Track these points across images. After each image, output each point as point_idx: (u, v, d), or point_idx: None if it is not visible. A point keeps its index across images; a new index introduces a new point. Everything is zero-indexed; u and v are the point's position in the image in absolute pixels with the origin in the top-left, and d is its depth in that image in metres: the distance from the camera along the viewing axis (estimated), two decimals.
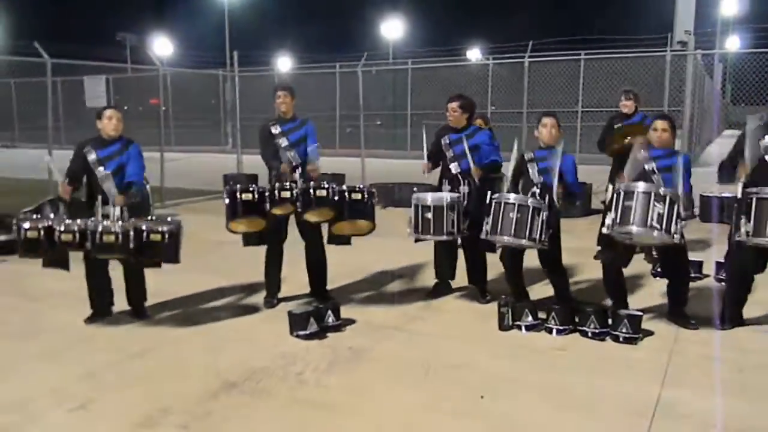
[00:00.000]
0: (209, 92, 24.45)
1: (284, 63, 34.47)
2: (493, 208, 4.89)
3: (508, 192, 5.04)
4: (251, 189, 5.02)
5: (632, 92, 6.93)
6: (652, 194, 4.44)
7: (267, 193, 5.00)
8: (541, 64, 14.38)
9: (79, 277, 5.09)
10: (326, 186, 4.97)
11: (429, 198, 5.18)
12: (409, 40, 41.72)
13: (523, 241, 4.80)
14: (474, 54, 34.77)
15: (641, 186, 4.51)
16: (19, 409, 3.63)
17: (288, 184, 5.00)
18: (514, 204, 4.78)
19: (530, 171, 5.13)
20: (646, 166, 4.82)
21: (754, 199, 4.40)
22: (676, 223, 4.45)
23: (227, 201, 5.02)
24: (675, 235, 4.45)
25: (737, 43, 34.89)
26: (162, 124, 11.84)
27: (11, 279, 6.28)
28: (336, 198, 5.01)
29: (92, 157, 4.90)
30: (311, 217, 5.10)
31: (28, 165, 7.26)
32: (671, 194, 4.47)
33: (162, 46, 39.79)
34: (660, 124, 4.88)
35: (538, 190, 5.03)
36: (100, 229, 4.54)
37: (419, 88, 21.70)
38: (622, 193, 4.56)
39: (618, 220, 4.53)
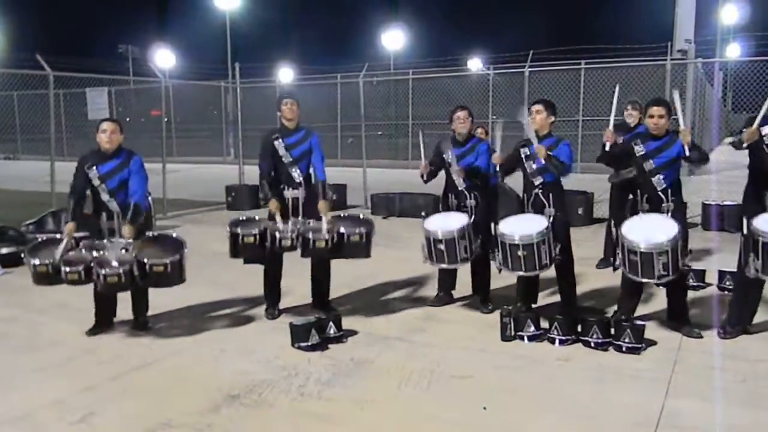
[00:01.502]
0: (211, 103, 24.52)
1: (286, 74, 34.58)
2: (500, 243, 4.94)
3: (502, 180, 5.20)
4: (253, 232, 5.08)
5: (638, 103, 6.93)
6: (654, 254, 4.49)
7: (268, 236, 5.06)
8: (542, 74, 14.41)
9: (80, 290, 5.09)
10: (325, 238, 4.99)
11: (439, 232, 5.18)
12: (410, 51, 41.87)
13: (536, 272, 4.96)
14: (475, 64, 34.86)
15: (642, 245, 4.52)
16: (21, 422, 3.63)
17: (288, 227, 5.05)
18: (518, 245, 4.83)
19: (527, 170, 5.13)
20: (645, 166, 4.80)
21: (760, 241, 4.39)
22: (683, 258, 4.55)
23: (229, 239, 5.13)
24: (684, 268, 4.59)
25: (738, 51, 34.96)
26: (164, 136, 11.87)
27: (14, 291, 6.29)
28: (334, 244, 5.05)
29: (93, 173, 4.90)
30: (308, 256, 5.19)
31: (30, 177, 7.29)
32: (672, 245, 4.48)
33: (164, 57, 39.95)
34: (656, 110, 4.80)
35: (540, 191, 5.04)
36: (104, 272, 4.57)
37: (420, 99, 21.75)
38: (626, 247, 4.59)
39: (627, 269, 4.64)
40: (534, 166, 5.10)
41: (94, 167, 4.91)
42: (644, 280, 4.64)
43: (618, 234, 4.70)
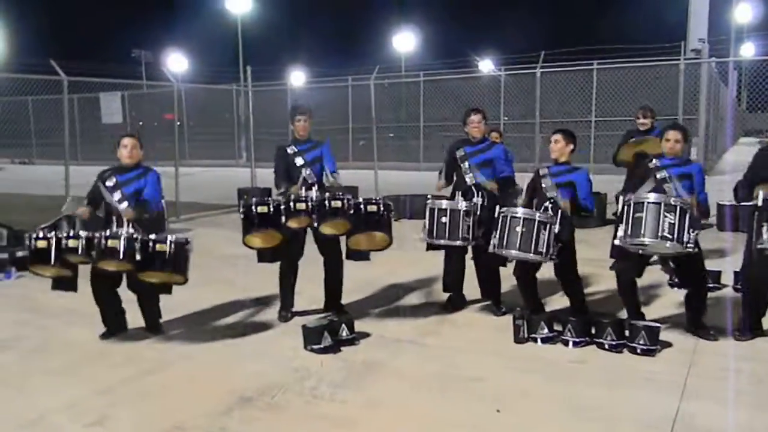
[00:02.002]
0: (223, 107, 24.65)
1: (297, 77, 34.68)
2: (500, 221, 4.89)
3: (522, 206, 5.07)
4: (267, 201, 5.04)
5: (648, 108, 6.91)
6: (662, 204, 4.42)
7: (282, 206, 5.01)
8: (554, 75, 14.35)
9: (91, 294, 5.13)
10: (342, 197, 4.98)
11: (444, 202, 5.17)
12: (421, 53, 41.83)
13: (530, 255, 4.79)
14: (486, 65, 34.78)
15: (651, 197, 4.50)
16: (34, 425, 3.65)
17: (303, 195, 5.01)
18: (520, 218, 4.78)
19: (543, 186, 5.11)
20: (658, 175, 4.78)
21: None
22: (689, 232, 4.42)
23: (243, 215, 5.04)
24: (688, 245, 4.42)
25: (752, 50, 34.63)
26: (176, 139, 11.94)
27: (27, 295, 6.34)
28: (352, 210, 5.01)
29: (111, 182, 4.95)
30: (327, 229, 5.09)
31: (45, 181, 7.37)
32: (682, 203, 4.43)
33: (176, 62, 40.20)
34: (672, 134, 4.83)
35: (550, 205, 5.01)
36: (106, 233, 4.57)
37: (431, 100, 21.74)
38: (632, 205, 4.53)
39: (629, 232, 4.51)
40: (550, 183, 5.07)
41: (114, 176, 4.98)
42: (647, 240, 4.43)
43: (625, 202, 4.60)
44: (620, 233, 4.59)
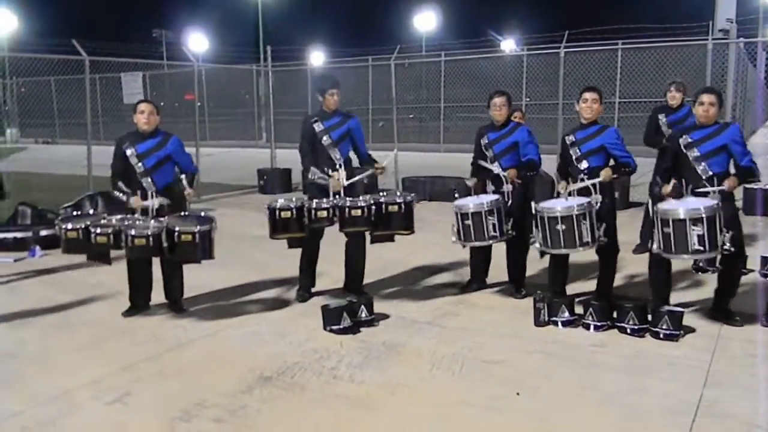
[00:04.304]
0: (243, 87, 24.65)
1: (317, 57, 34.55)
2: (538, 220, 4.82)
3: (559, 181, 5.04)
4: (290, 206, 5.05)
5: (682, 84, 6.72)
6: (688, 221, 4.30)
7: (305, 210, 5.02)
8: (577, 55, 14.11)
9: (117, 271, 5.18)
10: (362, 205, 4.96)
11: (469, 205, 5.12)
12: (442, 32, 41.42)
13: (578, 249, 4.77)
14: (508, 45, 34.35)
15: (679, 212, 4.35)
16: (58, 401, 3.70)
17: (324, 201, 5.01)
18: (557, 217, 4.70)
19: (573, 156, 5.03)
20: (690, 155, 4.65)
21: None
22: (722, 235, 4.32)
23: (268, 216, 5.10)
24: (724, 247, 4.34)
25: None
26: (197, 119, 11.97)
27: (51, 273, 6.42)
28: (372, 215, 5.00)
29: (131, 152, 4.97)
30: (348, 230, 5.12)
31: (67, 161, 7.44)
32: (709, 214, 4.30)
33: (197, 42, 40.25)
34: (707, 97, 4.64)
35: (586, 176, 4.93)
36: (132, 233, 4.63)
37: (452, 81, 21.54)
38: (659, 218, 4.44)
39: (662, 247, 4.46)
40: (579, 152, 5.00)
41: (132, 147, 4.98)
42: (681, 257, 4.44)
43: (654, 210, 4.55)
44: (655, 244, 4.54)
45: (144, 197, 4.92)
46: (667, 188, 4.70)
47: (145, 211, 4.89)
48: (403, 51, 17.23)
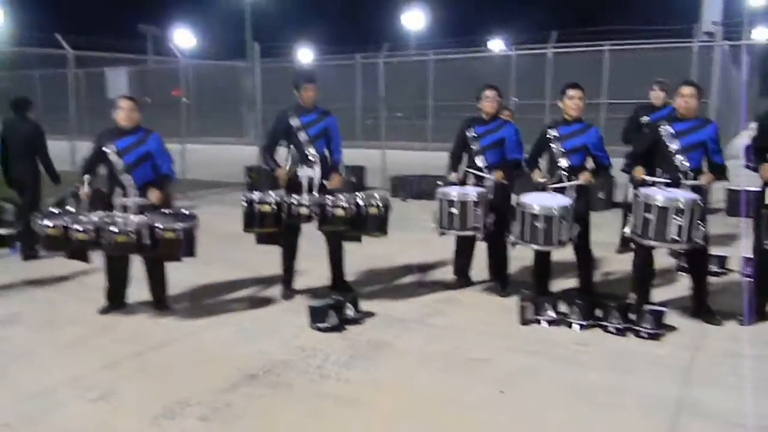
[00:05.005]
0: (230, 84, 24.51)
1: (305, 54, 34.45)
2: (518, 214, 4.85)
3: (530, 170, 5.12)
4: (269, 201, 5.02)
5: (665, 83, 6.78)
6: (671, 210, 4.37)
7: (285, 206, 5.01)
8: (565, 55, 14.16)
9: (100, 269, 5.14)
10: (344, 206, 4.97)
11: (454, 193, 5.14)
12: (431, 31, 41.40)
13: (553, 247, 4.83)
14: (496, 45, 34.42)
15: (660, 200, 4.43)
16: (40, 399, 3.67)
17: (304, 197, 5.01)
18: (539, 215, 4.74)
19: (554, 152, 5.06)
20: (671, 146, 4.71)
21: None
22: (698, 229, 4.42)
23: (244, 208, 5.07)
24: (697, 240, 4.43)
25: (765, 33, 34.11)
26: (183, 116, 11.89)
27: (35, 269, 6.36)
28: (353, 214, 5.02)
29: (111, 149, 4.91)
30: (326, 228, 5.13)
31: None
32: (690, 206, 4.37)
33: (183, 37, 39.95)
34: (687, 90, 4.72)
35: (566, 174, 4.98)
36: (113, 230, 4.57)
37: (441, 80, 21.53)
38: (641, 203, 4.48)
39: (639, 231, 4.53)
40: (561, 149, 5.04)
41: (112, 143, 4.93)
42: (655, 243, 4.53)
43: (635, 194, 4.60)
44: (630, 226, 4.59)
45: (125, 194, 4.87)
46: (639, 171, 4.75)
47: (125, 208, 4.84)
48: (392, 49, 17.21)
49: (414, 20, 41.94)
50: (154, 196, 4.84)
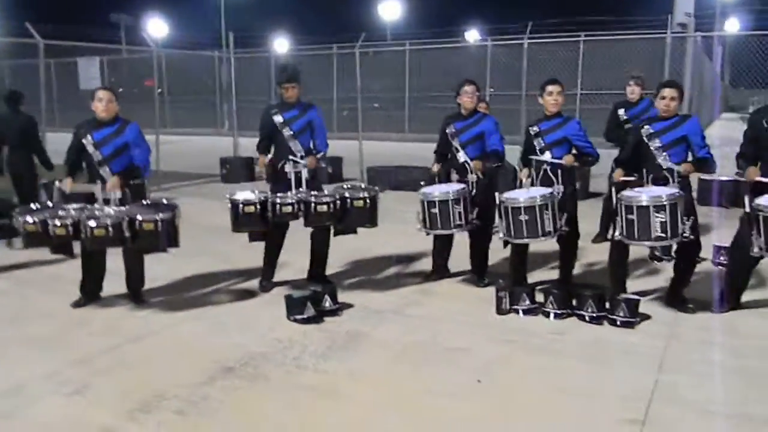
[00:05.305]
0: (205, 74, 24.22)
1: (280, 44, 34.17)
2: (502, 210, 4.87)
3: (521, 169, 5.15)
4: (253, 201, 4.99)
5: (640, 78, 6.85)
6: (651, 208, 4.41)
7: (269, 205, 4.98)
8: (541, 46, 14.24)
9: (75, 263, 5.07)
10: (327, 201, 4.95)
11: (433, 193, 5.15)
12: (408, 22, 41.32)
13: (539, 239, 4.84)
14: (473, 35, 34.48)
15: (639, 199, 4.47)
16: (15, 394, 3.62)
17: (291, 194, 4.97)
18: (521, 207, 4.76)
19: (537, 147, 5.10)
20: (651, 145, 4.76)
21: (761, 217, 4.31)
22: (683, 223, 4.44)
23: (230, 209, 5.03)
24: (684, 235, 4.45)
25: (737, 25, 34.63)
26: (157, 107, 11.73)
27: (6, 263, 6.24)
28: (337, 209, 5.00)
29: (88, 140, 4.85)
30: (311, 225, 5.11)
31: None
32: (671, 201, 4.41)
33: (157, 26, 39.37)
34: (668, 92, 4.76)
35: (549, 167, 5.02)
36: (92, 224, 4.50)
37: (417, 70, 21.53)
38: (623, 205, 4.53)
39: (624, 233, 4.56)
40: (543, 143, 5.07)
41: (89, 134, 4.86)
42: (643, 243, 4.58)
43: (617, 198, 4.64)
44: (617, 230, 4.64)
45: (104, 187, 4.79)
46: (619, 173, 4.80)
47: (106, 201, 4.78)
48: (368, 40, 17.15)
49: (391, 11, 41.83)
50: (111, 181, 4.75)
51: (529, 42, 12.17)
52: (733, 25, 34.33)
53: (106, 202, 4.75)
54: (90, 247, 4.66)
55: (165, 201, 4.94)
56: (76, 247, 4.80)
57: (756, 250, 4.40)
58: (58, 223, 4.55)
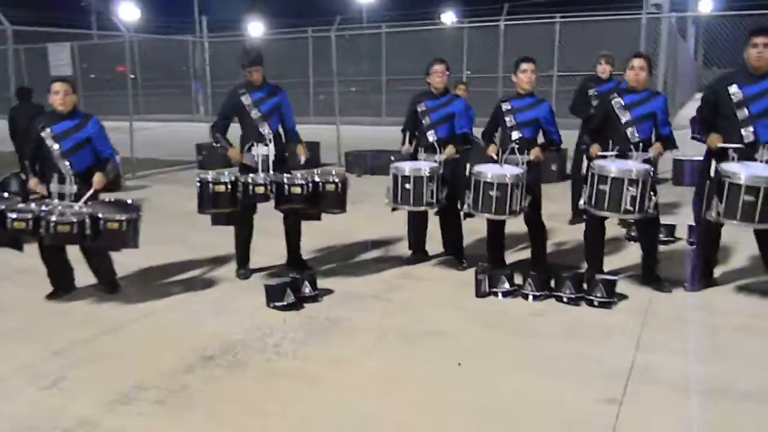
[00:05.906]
0: (178, 59, 23.86)
1: (255, 28, 33.75)
2: (472, 183, 4.88)
3: (485, 145, 5.18)
4: (223, 181, 4.93)
5: (610, 56, 6.89)
6: (625, 180, 4.47)
7: (240, 186, 4.93)
8: (517, 28, 14.24)
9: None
10: (301, 183, 4.92)
11: (408, 168, 5.13)
12: (383, 4, 41.02)
13: (504, 217, 4.91)
14: (449, 17, 34.37)
15: (614, 171, 4.54)
16: None
17: (261, 176, 4.94)
18: (493, 183, 4.79)
19: (507, 124, 5.12)
20: (622, 118, 4.80)
21: (726, 183, 4.34)
22: (650, 199, 4.54)
23: (199, 189, 4.96)
24: (649, 210, 4.56)
25: (710, 5, 34.91)
26: (130, 93, 11.54)
27: None
28: (310, 192, 4.98)
29: (47, 133, 4.70)
30: (283, 207, 5.08)
31: None
32: (642, 177, 4.47)
33: (128, 11, 38.63)
34: (637, 62, 4.81)
35: (516, 146, 5.04)
36: (54, 219, 4.38)
37: (393, 53, 21.41)
38: (596, 175, 4.57)
39: (593, 202, 4.62)
40: (513, 121, 5.09)
41: (48, 128, 4.72)
42: (609, 214, 4.67)
43: (589, 167, 4.69)
44: (585, 198, 4.68)
45: (62, 181, 4.69)
46: (596, 148, 4.85)
47: (62, 196, 4.66)
48: (344, 23, 17.00)
49: None
50: (97, 180, 4.68)
51: (505, 24, 12.16)
52: (706, 6, 34.59)
53: (62, 197, 4.65)
54: (50, 242, 4.50)
55: (128, 201, 4.85)
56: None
57: (714, 214, 4.44)
58: (16, 216, 4.39)
